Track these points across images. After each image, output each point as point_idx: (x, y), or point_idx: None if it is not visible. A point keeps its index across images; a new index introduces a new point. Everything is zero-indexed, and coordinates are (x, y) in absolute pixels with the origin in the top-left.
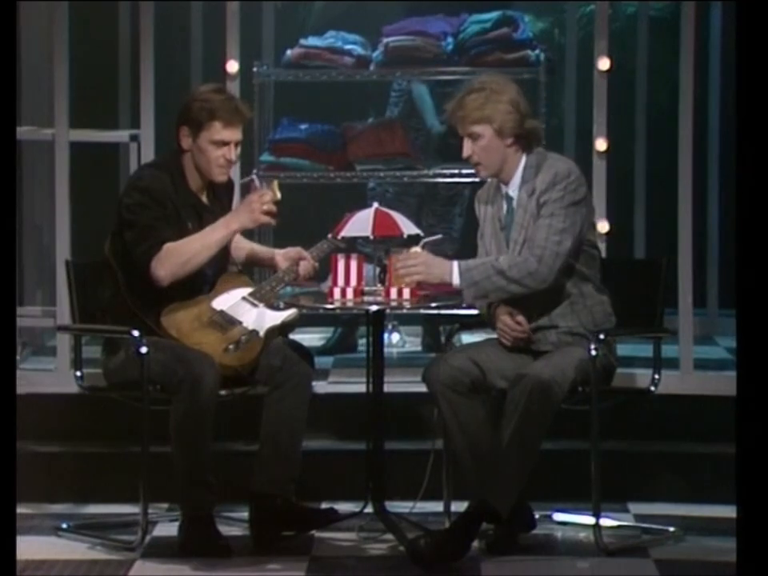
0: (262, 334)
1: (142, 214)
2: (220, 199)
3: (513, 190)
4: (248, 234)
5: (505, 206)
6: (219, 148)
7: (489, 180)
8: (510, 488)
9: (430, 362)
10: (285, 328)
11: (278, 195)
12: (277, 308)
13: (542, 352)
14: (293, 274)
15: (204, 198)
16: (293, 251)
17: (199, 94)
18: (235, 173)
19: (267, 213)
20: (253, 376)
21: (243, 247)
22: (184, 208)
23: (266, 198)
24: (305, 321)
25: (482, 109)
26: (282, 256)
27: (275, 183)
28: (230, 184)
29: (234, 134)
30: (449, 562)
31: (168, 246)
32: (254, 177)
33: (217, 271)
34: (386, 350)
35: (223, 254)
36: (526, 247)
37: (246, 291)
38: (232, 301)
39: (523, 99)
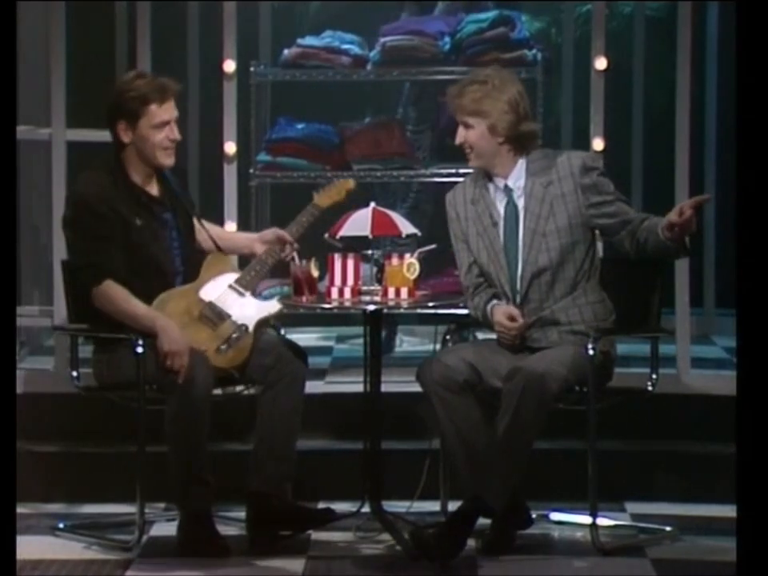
0: (251, 328)
1: (78, 231)
2: (170, 188)
3: (513, 181)
4: (246, 228)
5: (503, 199)
6: (161, 130)
7: (465, 178)
8: (504, 483)
9: (423, 360)
10: (271, 320)
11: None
12: (262, 297)
13: (541, 348)
14: (276, 256)
15: (153, 191)
16: (269, 233)
17: (124, 85)
18: (232, 173)
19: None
20: (246, 374)
21: (220, 236)
22: (128, 205)
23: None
24: (305, 320)
25: (480, 102)
26: (258, 240)
27: (312, 262)
28: (179, 169)
29: (171, 112)
30: (444, 560)
31: (110, 287)
32: (295, 255)
33: (184, 260)
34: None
35: (188, 243)
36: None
37: (231, 278)
38: (219, 290)
39: (524, 101)
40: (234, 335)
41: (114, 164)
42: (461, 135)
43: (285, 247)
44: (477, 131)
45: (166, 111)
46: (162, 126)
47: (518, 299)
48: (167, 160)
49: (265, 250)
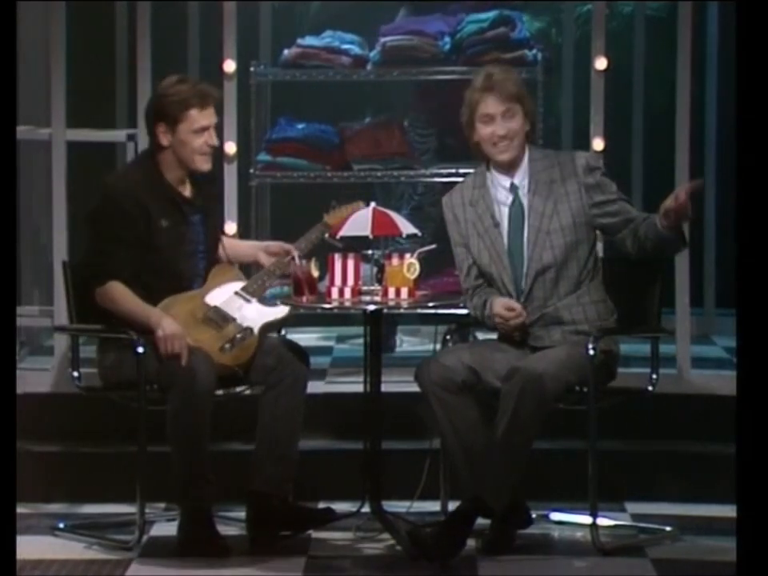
0: (256, 331)
1: (98, 226)
2: (202, 192)
3: (519, 180)
4: (246, 233)
5: (508, 197)
6: (200, 135)
7: (464, 180)
8: (504, 483)
9: (421, 361)
10: (277, 324)
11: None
12: (270, 303)
13: (544, 347)
14: (284, 268)
15: (186, 192)
16: (274, 246)
17: (166, 89)
18: (232, 173)
19: None
20: (248, 375)
21: (224, 244)
22: (159, 205)
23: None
24: (305, 320)
25: (517, 86)
26: (264, 252)
27: (312, 262)
28: (212, 175)
29: (211, 118)
30: (443, 560)
31: (112, 286)
32: (296, 254)
33: (208, 265)
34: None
35: (213, 248)
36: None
37: (237, 285)
38: (225, 296)
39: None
40: (239, 335)
41: (150, 164)
42: (503, 126)
43: (292, 261)
44: (518, 119)
45: (206, 117)
46: (201, 131)
47: (522, 298)
48: (205, 165)
49: (273, 261)
